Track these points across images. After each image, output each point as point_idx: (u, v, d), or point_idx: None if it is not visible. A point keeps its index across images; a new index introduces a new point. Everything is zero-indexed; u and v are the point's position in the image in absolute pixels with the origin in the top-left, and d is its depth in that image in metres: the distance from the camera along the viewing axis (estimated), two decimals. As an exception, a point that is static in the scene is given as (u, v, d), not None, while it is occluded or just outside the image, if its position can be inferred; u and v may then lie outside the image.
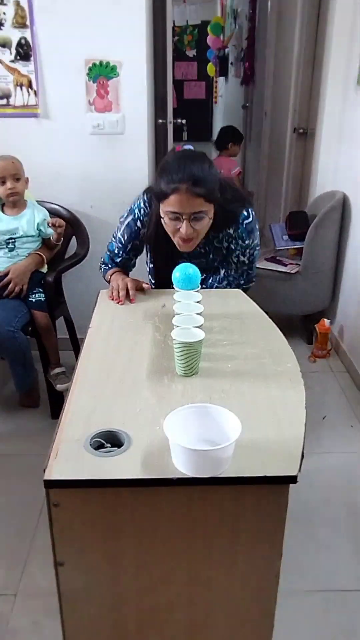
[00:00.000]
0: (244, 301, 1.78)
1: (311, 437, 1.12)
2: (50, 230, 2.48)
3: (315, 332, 3.16)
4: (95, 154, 2.78)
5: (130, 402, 1.22)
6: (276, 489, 1.03)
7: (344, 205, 3.05)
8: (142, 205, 1.89)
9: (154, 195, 1.73)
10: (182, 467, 1.01)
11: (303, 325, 3.36)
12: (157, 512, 1.05)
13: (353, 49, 2.96)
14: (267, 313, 1.71)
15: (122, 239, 1.96)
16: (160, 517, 1.06)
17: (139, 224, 1.91)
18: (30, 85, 2.64)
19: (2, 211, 2.46)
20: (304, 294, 3.16)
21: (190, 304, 1.49)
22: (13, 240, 2.44)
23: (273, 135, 4.84)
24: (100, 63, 2.61)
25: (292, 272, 3.11)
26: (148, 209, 1.86)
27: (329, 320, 3.14)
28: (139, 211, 1.90)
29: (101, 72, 2.62)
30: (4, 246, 2.45)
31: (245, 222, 1.82)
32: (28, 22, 2.54)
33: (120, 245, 1.98)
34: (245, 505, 1.05)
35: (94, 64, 2.61)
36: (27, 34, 2.56)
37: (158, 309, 1.69)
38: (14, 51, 2.58)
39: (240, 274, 1.95)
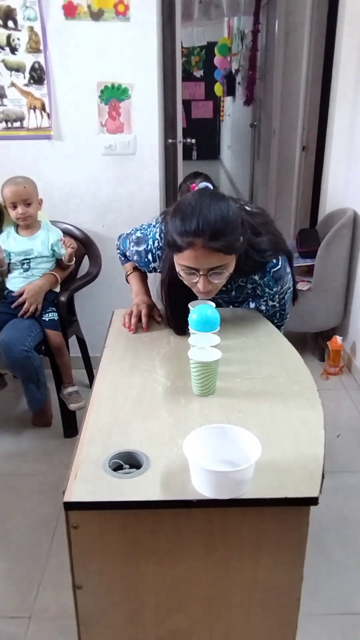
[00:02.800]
0: (257, 319, 1.78)
1: (326, 455, 1.11)
2: (63, 251, 2.50)
3: (328, 350, 3.15)
4: (107, 174, 2.82)
5: (147, 423, 1.22)
6: (297, 510, 1.02)
7: (354, 222, 3.05)
8: (157, 237, 1.72)
9: (167, 244, 1.52)
10: (202, 488, 1.00)
11: (315, 342, 3.35)
12: (176, 534, 1.04)
13: (361, 69, 2.99)
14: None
15: (132, 257, 1.83)
16: (180, 539, 1.05)
17: (150, 256, 1.75)
18: (43, 108, 2.68)
19: (17, 232, 2.49)
20: (316, 311, 3.16)
21: (207, 349, 1.35)
22: (28, 260, 2.46)
23: (282, 153, 4.88)
24: (112, 86, 2.65)
25: (303, 289, 3.10)
26: (162, 242, 1.69)
27: (341, 337, 3.13)
28: (152, 243, 1.73)
29: (113, 95, 2.67)
30: (19, 266, 2.47)
31: (273, 270, 1.63)
32: (41, 47, 2.59)
33: (130, 253, 1.84)
34: (266, 527, 1.04)
35: (106, 87, 2.65)
36: (40, 58, 2.61)
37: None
38: (27, 75, 2.63)
39: (272, 314, 1.78)
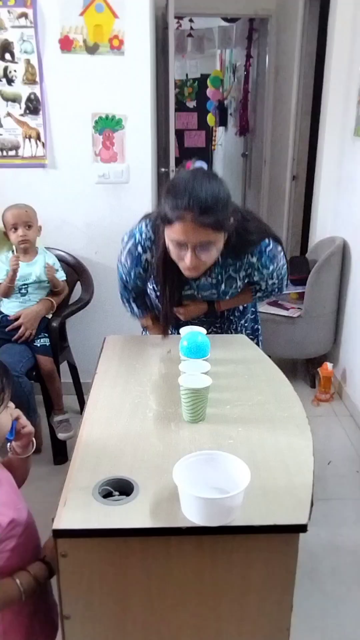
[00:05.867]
0: (248, 346, 1.80)
1: (317, 483, 1.11)
2: (60, 274, 2.53)
3: (318, 376, 3.16)
4: (100, 202, 2.86)
5: (137, 449, 1.22)
6: (286, 538, 1.02)
7: (343, 250, 3.10)
8: (143, 228, 1.71)
9: (159, 217, 1.55)
10: (191, 516, 1.00)
11: (306, 369, 3.37)
12: (166, 561, 1.04)
13: (349, 101, 3.08)
14: (269, 357, 1.72)
15: (126, 264, 1.79)
16: (169, 567, 1.04)
17: (139, 249, 1.72)
18: (38, 138, 2.73)
19: (17, 257, 2.51)
20: (306, 337, 3.18)
21: (197, 376, 1.35)
22: (26, 286, 2.49)
23: (272, 182, 4.97)
24: (107, 117, 2.71)
25: (294, 316, 3.13)
26: (150, 232, 1.69)
27: (332, 364, 3.15)
28: (140, 235, 1.71)
29: (107, 125, 2.72)
30: (17, 292, 2.49)
31: (267, 249, 1.68)
32: (38, 79, 2.65)
33: (125, 270, 1.81)
34: (255, 555, 1.04)
35: (100, 118, 2.71)
36: (36, 89, 2.66)
37: (164, 355, 1.71)
38: (23, 106, 2.68)
39: (271, 290, 1.84)
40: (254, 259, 1.70)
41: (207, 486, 1.06)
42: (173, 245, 1.53)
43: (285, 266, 1.79)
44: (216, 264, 1.67)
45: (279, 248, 1.74)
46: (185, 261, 1.53)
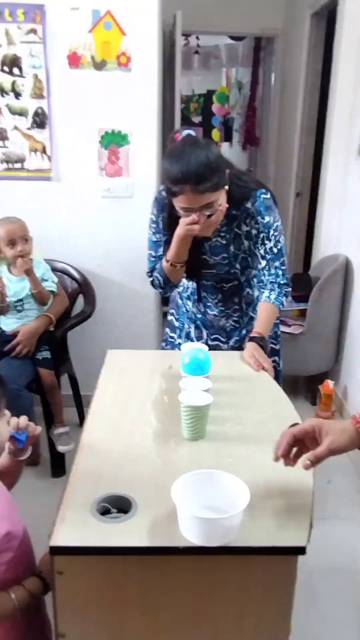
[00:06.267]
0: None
1: (316, 502, 1.10)
2: (49, 284, 2.52)
3: (319, 393, 3.15)
4: (104, 216, 2.87)
5: (136, 466, 1.22)
6: (285, 559, 1.01)
7: (346, 268, 3.11)
8: (161, 187, 1.82)
9: (165, 190, 1.70)
10: (189, 535, 0.99)
11: (307, 386, 3.36)
12: (163, 581, 1.03)
13: (354, 120, 3.10)
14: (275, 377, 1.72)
15: (154, 212, 1.86)
16: (167, 587, 1.03)
17: (163, 194, 1.79)
18: (44, 151, 2.75)
19: (10, 272, 2.50)
20: (308, 354, 3.18)
21: (198, 393, 1.35)
22: (21, 302, 2.48)
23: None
24: (113, 132, 2.73)
25: (296, 333, 3.13)
26: (162, 196, 1.80)
27: (333, 382, 3.14)
28: (159, 194, 1.83)
29: (113, 140, 2.75)
30: (13, 309, 2.48)
31: (262, 196, 1.76)
32: (45, 94, 2.68)
33: (154, 221, 1.87)
34: (253, 576, 1.03)
35: (106, 133, 2.74)
36: (43, 104, 2.69)
37: (165, 371, 1.71)
38: (30, 119, 2.71)
39: (276, 274, 1.80)
40: (249, 204, 1.76)
41: (205, 505, 1.05)
42: (182, 211, 1.66)
43: (282, 230, 1.80)
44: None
45: (275, 206, 1.80)
46: (196, 219, 1.64)
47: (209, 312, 1.94)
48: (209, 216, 1.65)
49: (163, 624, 1.06)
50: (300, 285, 3.29)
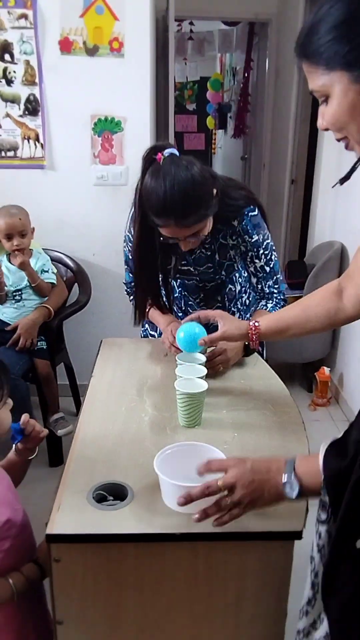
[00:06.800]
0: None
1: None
2: (49, 276, 2.51)
3: (315, 381, 3.16)
4: (98, 204, 2.85)
5: (132, 454, 1.22)
6: (281, 544, 1.02)
7: (341, 255, 3.10)
8: (132, 213, 1.67)
9: (148, 219, 1.52)
10: (170, 503, 1.03)
11: (303, 373, 3.37)
12: (160, 567, 1.03)
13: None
14: (267, 361, 1.72)
15: (131, 237, 1.74)
16: (163, 573, 1.04)
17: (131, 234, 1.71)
18: (37, 139, 2.73)
19: (9, 261, 2.49)
20: (304, 342, 3.18)
21: (194, 367, 1.41)
22: (20, 292, 2.47)
23: (271, 186, 4.97)
24: (106, 118, 2.71)
25: (291, 320, 3.13)
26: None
27: (329, 369, 3.14)
28: (131, 223, 1.70)
29: (106, 127, 2.72)
30: (11, 298, 2.47)
31: (250, 214, 1.65)
32: (37, 80, 2.65)
33: (130, 235, 1.76)
34: (250, 561, 1.04)
35: (100, 119, 2.71)
36: (35, 90, 2.66)
37: (160, 359, 1.70)
38: (22, 106, 2.68)
39: (270, 290, 1.75)
40: (235, 222, 1.66)
41: (186, 476, 1.05)
42: (167, 238, 1.55)
43: (273, 248, 1.74)
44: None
45: (264, 222, 1.70)
46: (181, 247, 1.57)
47: (190, 310, 1.86)
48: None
49: (160, 610, 1.06)
50: (296, 272, 3.29)
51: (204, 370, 1.40)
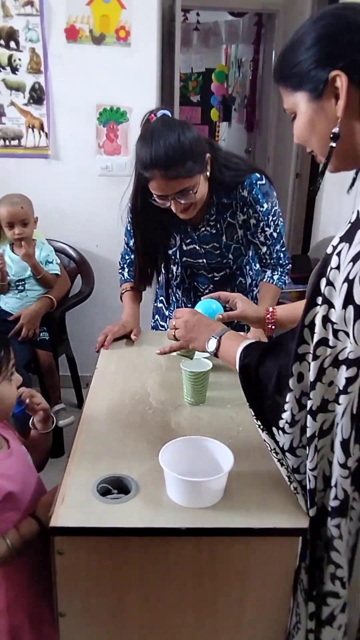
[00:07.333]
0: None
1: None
2: (53, 267, 2.50)
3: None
4: (102, 195, 2.83)
5: (137, 447, 1.21)
6: (286, 541, 1.01)
7: (346, 250, 3.08)
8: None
9: (138, 173, 1.57)
10: (175, 497, 1.03)
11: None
12: (164, 561, 1.02)
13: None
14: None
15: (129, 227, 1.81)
16: (167, 567, 1.03)
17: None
18: (41, 128, 2.70)
19: (12, 251, 2.48)
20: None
21: (200, 360, 1.42)
22: (23, 282, 2.45)
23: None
24: (111, 109, 2.68)
25: (294, 314, 3.12)
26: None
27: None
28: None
29: (111, 117, 2.70)
30: (14, 288, 2.46)
31: (259, 182, 1.64)
32: (42, 68, 2.62)
33: (127, 230, 1.82)
34: (255, 557, 1.03)
35: (105, 109, 2.68)
36: (40, 79, 2.63)
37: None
38: (27, 95, 2.66)
39: (278, 256, 1.75)
40: (245, 192, 1.65)
41: (192, 471, 1.05)
42: (157, 198, 1.56)
43: (282, 217, 1.75)
44: (211, 205, 1.67)
45: (273, 189, 1.70)
46: (172, 208, 1.56)
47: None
48: (186, 205, 1.55)
49: (164, 604, 1.06)
50: (300, 266, 3.27)
51: (209, 364, 1.40)
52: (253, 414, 1.02)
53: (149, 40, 2.62)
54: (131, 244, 1.82)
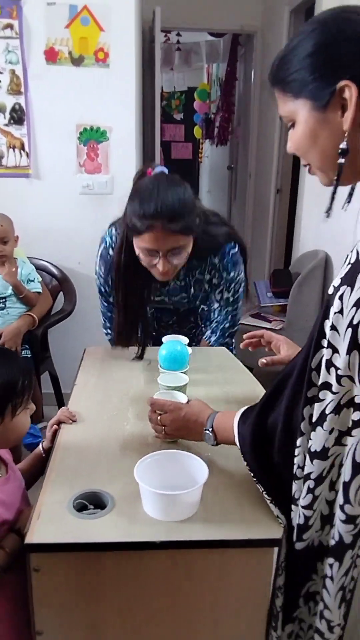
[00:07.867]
0: (227, 358, 1.80)
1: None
2: (35, 285, 2.50)
3: (300, 388, 3.17)
4: (84, 213, 2.86)
5: (114, 462, 1.21)
6: (262, 552, 1.02)
7: (326, 264, 3.13)
8: (113, 232, 1.72)
9: (127, 228, 1.53)
10: (151, 511, 1.03)
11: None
12: (140, 575, 1.03)
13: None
14: (251, 370, 1.72)
15: (101, 272, 1.77)
16: (144, 581, 1.03)
17: (111, 251, 1.71)
18: (22, 148, 2.73)
19: (-7, 270, 2.48)
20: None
21: (174, 392, 1.37)
22: (4, 299, 2.46)
23: (257, 195, 5.01)
24: (91, 128, 2.72)
25: (276, 328, 3.15)
26: (118, 236, 1.67)
27: (314, 377, 3.16)
28: (110, 239, 1.72)
29: (92, 137, 2.73)
30: None
31: (231, 252, 1.69)
32: (22, 89, 2.66)
33: (102, 279, 1.78)
34: (230, 569, 1.04)
35: (85, 129, 2.72)
36: (21, 100, 2.67)
37: (144, 367, 1.70)
38: (7, 115, 2.69)
39: (224, 317, 1.78)
40: (216, 260, 1.69)
41: (167, 484, 1.06)
42: (144, 254, 1.52)
43: (243, 285, 1.76)
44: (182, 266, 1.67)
45: (241, 260, 1.72)
46: (157, 267, 1.52)
47: (164, 331, 1.87)
48: (173, 267, 1.53)
49: (141, 618, 1.06)
50: (281, 281, 3.31)
51: (186, 379, 1.41)
52: (262, 489, 0.99)
53: (127, 62, 2.67)
54: (111, 299, 1.78)
